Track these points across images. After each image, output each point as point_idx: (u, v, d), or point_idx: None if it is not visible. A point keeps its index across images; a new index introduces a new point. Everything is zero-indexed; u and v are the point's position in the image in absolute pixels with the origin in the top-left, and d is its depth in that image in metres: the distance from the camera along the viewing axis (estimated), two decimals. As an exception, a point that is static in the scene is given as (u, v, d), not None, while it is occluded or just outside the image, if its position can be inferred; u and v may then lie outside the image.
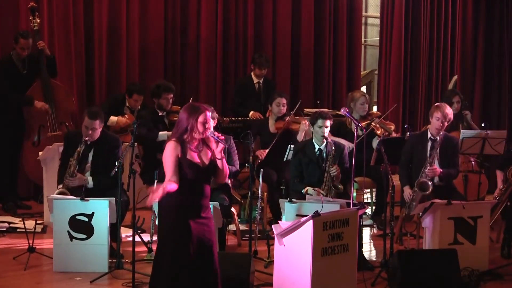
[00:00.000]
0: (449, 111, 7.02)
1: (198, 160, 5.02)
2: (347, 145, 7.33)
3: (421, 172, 6.95)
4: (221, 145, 5.05)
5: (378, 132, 7.85)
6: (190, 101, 8.11)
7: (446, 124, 7.01)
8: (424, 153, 7.02)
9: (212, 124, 5.13)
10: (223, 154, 5.10)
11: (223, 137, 5.09)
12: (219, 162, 5.09)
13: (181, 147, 4.97)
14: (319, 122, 6.97)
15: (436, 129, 7.00)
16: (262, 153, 7.76)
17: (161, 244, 5.08)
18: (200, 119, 4.97)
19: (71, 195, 6.60)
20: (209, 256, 5.06)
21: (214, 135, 5.05)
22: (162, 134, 7.80)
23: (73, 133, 7.32)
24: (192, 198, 5.01)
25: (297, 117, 8.08)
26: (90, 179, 6.81)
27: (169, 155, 4.96)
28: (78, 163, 6.75)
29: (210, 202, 5.21)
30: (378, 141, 7.39)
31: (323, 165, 6.93)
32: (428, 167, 6.92)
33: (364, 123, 7.64)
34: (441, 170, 6.99)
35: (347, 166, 7.02)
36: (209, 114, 5.02)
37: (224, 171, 5.14)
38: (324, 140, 6.95)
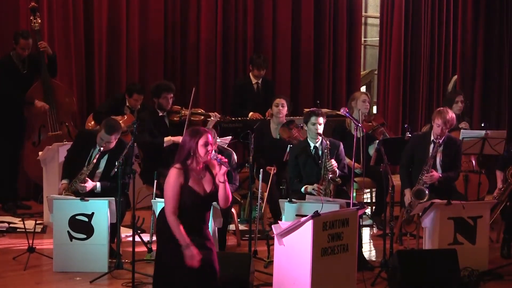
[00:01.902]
0: (451, 117, 6.92)
1: (199, 189, 4.92)
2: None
3: (418, 179, 6.93)
4: (224, 168, 4.93)
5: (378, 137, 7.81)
6: (193, 92, 8.06)
7: (447, 130, 6.98)
8: (426, 155, 6.98)
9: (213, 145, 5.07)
10: (226, 177, 4.98)
11: (226, 160, 4.98)
12: (221, 186, 4.98)
13: (184, 174, 4.88)
14: (312, 119, 6.95)
15: (437, 135, 6.97)
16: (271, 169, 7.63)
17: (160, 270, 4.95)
18: (201, 142, 4.88)
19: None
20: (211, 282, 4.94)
21: (217, 157, 4.95)
22: (168, 140, 7.70)
23: (87, 133, 7.22)
24: (190, 226, 4.87)
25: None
26: (98, 184, 6.75)
27: (173, 184, 4.84)
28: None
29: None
30: (376, 146, 7.36)
31: (320, 161, 6.92)
32: (426, 174, 6.92)
33: (366, 128, 7.56)
34: (440, 175, 6.97)
35: (345, 162, 7.01)
36: (210, 136, 4.94)
37: (226, 195, 5.00)
38: (319, 137, 6.95)
